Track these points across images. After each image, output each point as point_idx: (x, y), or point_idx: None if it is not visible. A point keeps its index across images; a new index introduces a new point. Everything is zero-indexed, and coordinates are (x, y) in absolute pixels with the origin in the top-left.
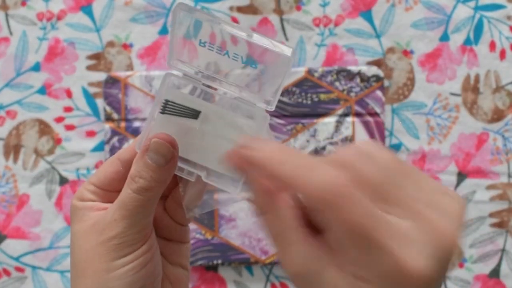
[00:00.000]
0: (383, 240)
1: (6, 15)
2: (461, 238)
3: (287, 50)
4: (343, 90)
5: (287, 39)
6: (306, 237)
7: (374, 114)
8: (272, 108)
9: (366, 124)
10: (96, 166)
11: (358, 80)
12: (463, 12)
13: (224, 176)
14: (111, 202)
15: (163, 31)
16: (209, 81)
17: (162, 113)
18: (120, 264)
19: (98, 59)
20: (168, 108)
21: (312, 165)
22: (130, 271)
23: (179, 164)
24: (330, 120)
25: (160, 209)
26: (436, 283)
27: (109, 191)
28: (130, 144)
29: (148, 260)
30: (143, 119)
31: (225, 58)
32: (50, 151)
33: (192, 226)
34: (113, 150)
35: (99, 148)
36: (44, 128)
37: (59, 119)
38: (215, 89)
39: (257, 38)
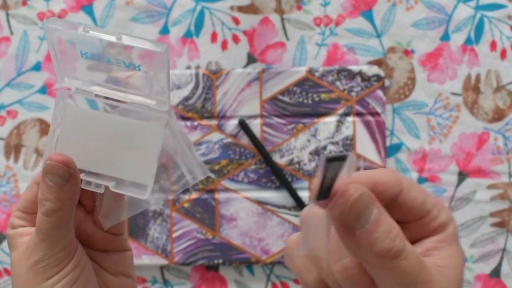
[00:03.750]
0: None
1: (7, 14)
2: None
3: (159, 46)
4: (344, 89)
5: (287, 38)
6: None
7: (375, 114)
8: (166, 107)
9: (367, 124)
10: None
11: (359, 79)
12: (464, 11)
13: (132, 183)
14: None
15: (164, 30)
16: (101, 91)
17: None
18: (49, 285)
19: None
20: None
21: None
22: None
23: (86, 178)
24: (331, 119)
25: (89, 223)
26: None
27: (35, 213)
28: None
29: (77, 276)
30: None
31: (109, 65)
32: None
33: (193, 225)
34: None
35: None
36: (45, 128)
37: None
38: (110, 98)
39: (127, 39)
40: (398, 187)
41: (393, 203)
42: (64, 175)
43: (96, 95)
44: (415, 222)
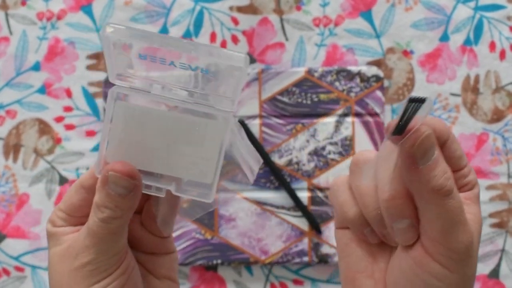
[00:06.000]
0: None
1: (6, 14)
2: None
3: (238, 60)
4: (343, 90)
5: (287, 39)
6: None
7: (374, 114)
8: (233, 108)
9: (366, 124)
10: None
11: (358, 80)
12: (463, 12)
13: (195, 184)
14: (83, 224)
15: (163, 31)
16: (159, 90)
17: None
18: None
19: (98, 59)
20: None
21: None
22: None
23: (145, 182)
24: (330, 120)
25: (137, 225)
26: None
27: (78, 217)
28: (91, 168)
29: (124, 282)
30: None
31: (171, 67)
32: (50, 151)
33: (192, 226)
34: None
35: (98, 148)
36: (44, 128)
37: (59, 119)
38: (168, 97)
39: (203, 52)
40: (447, 136)
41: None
42: (128, 186)
43: (154, 94)
44: None
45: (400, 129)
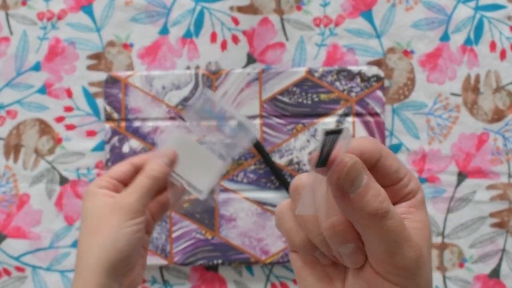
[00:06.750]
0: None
1: (7, 14)
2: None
3: (253, 135)
4: (344, 90)
5: (287, 39)
6: None
7: (374, 114)
8: (235, 157)
9: (366, 124)
10: (97, 166)
11: (358, 80)
12: (464, 12)
13: (195, 189)
14: (119, 192)
15: (164, 31)
16: (201, 133)
17: None
18: (129, 224)
19: (98, 59)
20: None
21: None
22: (135, 233)
23: (173, 175)
24: (331, 120)
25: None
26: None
27: (119, 183)
28: (142, 155)
29: (144, 228)
30: (143, 119)
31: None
32: (51, 151)
33: (192, 225)
34: (113, 150)
35: (99, 148)
36: (44, 128)
37: (59, 119)
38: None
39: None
40: (378, 154)
41: (372, 169)
42: (171, 159)
43: (197, 134)
44: (388, 188)
45: (322, 163)
